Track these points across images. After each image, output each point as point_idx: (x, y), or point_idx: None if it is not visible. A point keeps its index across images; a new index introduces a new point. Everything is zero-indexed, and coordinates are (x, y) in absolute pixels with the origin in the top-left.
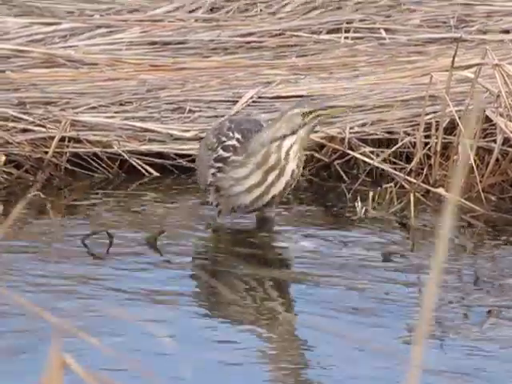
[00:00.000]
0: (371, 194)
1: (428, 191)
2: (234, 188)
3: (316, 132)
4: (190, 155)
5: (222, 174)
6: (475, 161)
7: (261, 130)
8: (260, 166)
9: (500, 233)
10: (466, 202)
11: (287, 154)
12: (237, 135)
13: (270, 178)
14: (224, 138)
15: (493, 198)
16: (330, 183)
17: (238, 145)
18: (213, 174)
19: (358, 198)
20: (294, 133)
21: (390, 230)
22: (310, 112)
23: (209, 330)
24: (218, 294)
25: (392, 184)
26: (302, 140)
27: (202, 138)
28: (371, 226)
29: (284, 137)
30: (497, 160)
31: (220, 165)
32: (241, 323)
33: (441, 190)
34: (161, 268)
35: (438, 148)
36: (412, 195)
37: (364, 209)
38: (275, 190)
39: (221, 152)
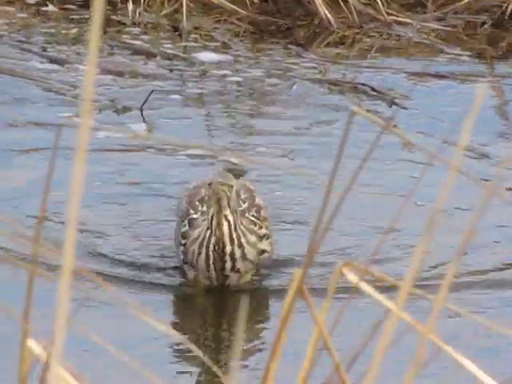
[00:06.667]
0: None
1: None
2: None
3: None
4: None
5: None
6: None
7: None
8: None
9: (263, 34)
10: (231, 5)
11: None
12: (204, 208)
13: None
14: (192, 211)
15: (256, 1)
16: None
17: (201, 218)
18: (182, 251)
19: (130, 1)
20: None
21: (161, 33)
22: None
23: None
24: None
25: None
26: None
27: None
28: (145, 29)
29: None
30: None
31: (186, 241)
32: None
33: None
34: None
35: None
36: None
37: (137, 12)
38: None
39: (186, 228)
